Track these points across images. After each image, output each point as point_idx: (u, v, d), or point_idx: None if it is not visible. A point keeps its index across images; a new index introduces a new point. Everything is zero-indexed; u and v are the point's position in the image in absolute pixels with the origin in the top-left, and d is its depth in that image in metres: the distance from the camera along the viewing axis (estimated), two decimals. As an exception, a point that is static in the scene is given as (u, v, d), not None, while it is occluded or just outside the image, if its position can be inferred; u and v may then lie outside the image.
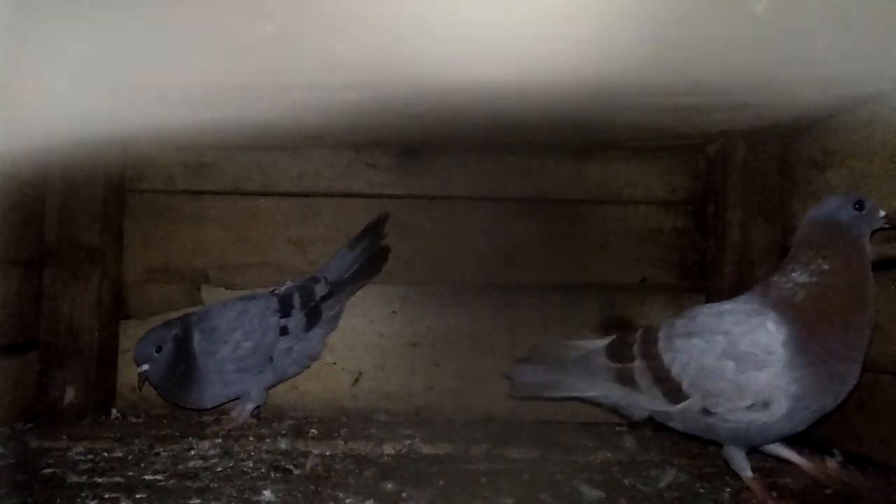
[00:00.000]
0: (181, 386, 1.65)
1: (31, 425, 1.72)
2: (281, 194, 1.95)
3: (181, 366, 1.64)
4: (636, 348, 1.34)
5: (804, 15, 1.06)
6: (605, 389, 1.37)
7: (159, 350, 1.62)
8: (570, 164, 1.96)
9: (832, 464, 1.50)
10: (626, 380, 1.33)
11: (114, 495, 1.19)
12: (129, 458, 1.45)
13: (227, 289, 1.93)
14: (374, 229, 1.88)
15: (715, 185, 1.88)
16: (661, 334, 1.32)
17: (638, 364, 1.32)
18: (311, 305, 1.75)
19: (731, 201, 1.80)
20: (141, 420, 1.83)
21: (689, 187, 1.96)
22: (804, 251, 1.29)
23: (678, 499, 1.26)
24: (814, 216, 1.32)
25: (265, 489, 1.23)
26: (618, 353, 1.37)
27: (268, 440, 1.59)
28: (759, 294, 1.30)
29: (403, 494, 1.23)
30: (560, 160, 1.96)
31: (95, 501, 1.17)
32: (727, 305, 1.31)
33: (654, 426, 1.79)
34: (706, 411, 1.25)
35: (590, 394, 1.40)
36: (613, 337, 1.42)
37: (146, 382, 1.64)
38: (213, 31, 1.12)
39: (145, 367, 1.62)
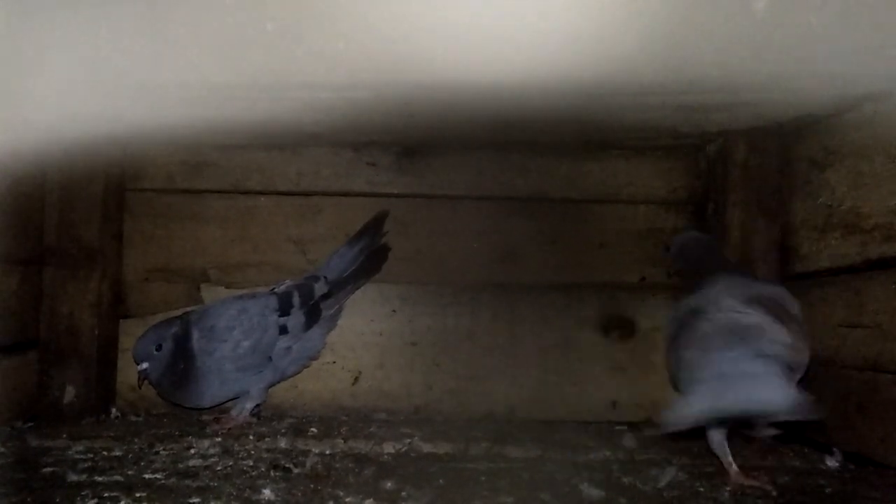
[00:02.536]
0: (180, 384, 1.65)
1: (30, 424, 1.72)
2: (281, 193, 1.95)
3: (181, 364, 1.64)
4: None
5: (804, 13, 1.06)
6: None
7: (159, 348, 1.62)
8: (569, 163, 1.96)
9: (832, 462, 1.50)
10: None
11: (113, 494, 1.19)
12: (129, 456, 1.45)
13: (226, 288, 1.93)
14: (374, 227, 1.87)
15: (715, 185, 1.88)
16: None
17: None
18: (310, 304, 1.75)
19: (732, 201, 1.80)
20: (141, 419, 1.83)
21: (690, 186, 1.96)
22: None
23: (678, 498, 1.26)
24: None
25: (265, 488, 1.23)
26: None
27: (267, 439, 1.59)
28: None
29: (403, 493, 1.23)
30: (560, 159, 1.96)
31: (95, 500, 1.17)
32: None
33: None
34: None
35: None
36: None
37: (145, 381, 1.64)
38: (213, 30, 1.12)
39: (145, 365, 1.62)
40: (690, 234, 1.75)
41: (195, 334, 1.66)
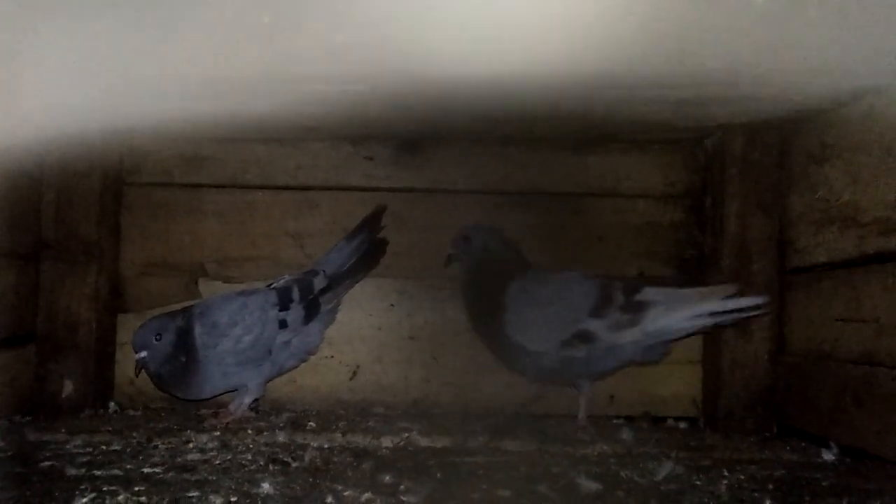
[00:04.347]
0: (180, 377, 1.65)
1: (28, 418, 1.72)
2: (279, 187, 1.95)
3: (182, 357, 1.64)
4: None
5: (803, 8, 1.05)
6: None
7: (159, 338, 1.62)
8: (568, 157, 1.96)
9: (828, 455, 1.51)
10: None
11: (112, 488, 1.19)
12: (128, 450, 1.45)
13: (224, 282, 1.93)
14: (372, 222, 1.87)
15: (713, 179, 1.88)
16: None
17: None
18: (309, 298, 1.75)
19: (729, 194, 1.80)
20: (139, 413, 1.84)
21: (688, 181, 1.96)
22: None
23: (675, 491, 1.26)
24: None
25: (263, 482, 1.23)
26: None
27: (266, 433, 1.59)
28: None
29: (401, 487, 1.23)
30: (558, 153, 1.96)
31: (94, 494, 1.17)
32: None
33: (652, 419, 1.81)
34: None
35: None
36: None
37: (142, 370, 1.64)
38: (210, 23, 1.12)
39: (143, 353, 1.62)
40: (490, 227, 1.83)
41: (197, 328, 1.66)
